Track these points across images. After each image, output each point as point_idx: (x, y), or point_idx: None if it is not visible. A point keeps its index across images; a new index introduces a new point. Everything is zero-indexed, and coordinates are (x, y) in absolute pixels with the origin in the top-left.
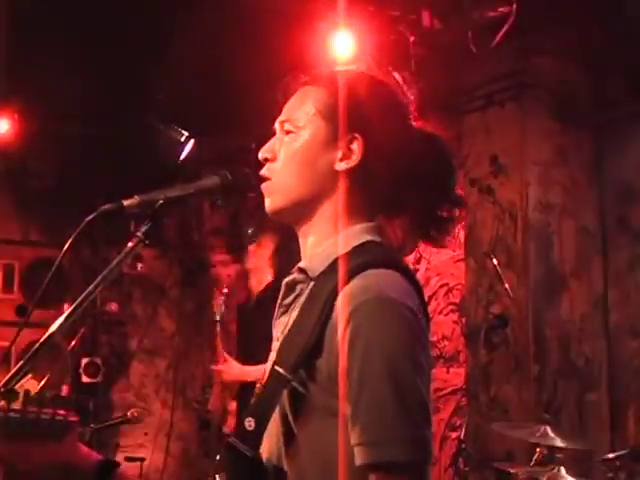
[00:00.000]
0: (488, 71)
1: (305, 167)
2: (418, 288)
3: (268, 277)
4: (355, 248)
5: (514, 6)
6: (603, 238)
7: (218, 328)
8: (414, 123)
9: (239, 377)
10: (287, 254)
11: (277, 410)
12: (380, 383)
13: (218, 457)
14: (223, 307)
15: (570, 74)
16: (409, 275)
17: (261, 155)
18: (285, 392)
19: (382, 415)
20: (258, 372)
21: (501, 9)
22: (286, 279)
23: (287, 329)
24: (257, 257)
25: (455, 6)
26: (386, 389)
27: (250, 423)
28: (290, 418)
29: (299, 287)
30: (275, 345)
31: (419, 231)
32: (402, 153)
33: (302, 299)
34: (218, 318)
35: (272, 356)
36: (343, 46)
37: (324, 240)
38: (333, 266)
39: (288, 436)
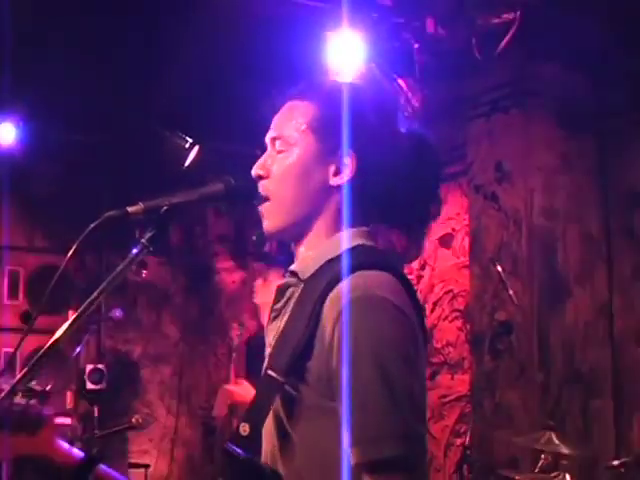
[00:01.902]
0: (492, 78)
1: (299, 184)
2: (411, 289)
3: None
4: (346, 251)
5: (518, 13)
6: (608, 245)
7: (234, 354)
8: (401, 126)
9: (249, 398)
10: None
11: (271, 414)
12: (369, 381)
13: (213, 463)
14: (239, 336)
15: (574, 81)
16: (401, 277)
17: (254, 172)
18: (278, 397)
19: (372, 413)
20: None
21: (505, 16)
22: (278, 283)
23: (278, 333)
24: (264, 293)
25: (459, 13)
26: (375, 387)
27: (245, 428)
28: (284, 420)
29: (290, 290)
30: (268, 351)
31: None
32: (393, 163)
33: (292, 302)
34: (235, 344)
35: (266, 361)
36: (347, 53)
37: (314, 245)
38: (323, 269)
39: (283, 438)
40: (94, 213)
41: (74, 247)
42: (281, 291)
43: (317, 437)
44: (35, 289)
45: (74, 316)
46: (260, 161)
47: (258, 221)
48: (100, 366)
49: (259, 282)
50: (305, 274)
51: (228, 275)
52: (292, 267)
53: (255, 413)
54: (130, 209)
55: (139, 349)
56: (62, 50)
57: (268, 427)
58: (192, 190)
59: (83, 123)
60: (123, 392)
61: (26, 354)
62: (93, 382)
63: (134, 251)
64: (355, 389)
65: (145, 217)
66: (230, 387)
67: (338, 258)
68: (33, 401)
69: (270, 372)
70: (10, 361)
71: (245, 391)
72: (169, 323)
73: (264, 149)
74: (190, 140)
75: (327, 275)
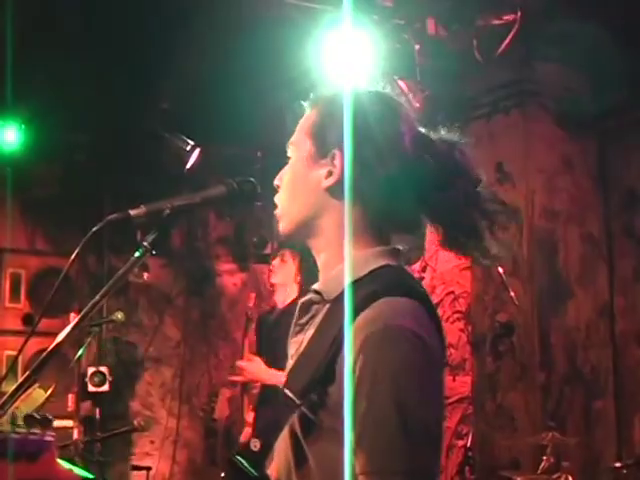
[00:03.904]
0: (493, 79)
1: (297, 188)
2: (435, 316)
3: (293, 293)
4: (370, 273)
5: (518, 14)
6: (608, 245)
7: (248, 329)
8: (413, 130)
9: (260, 376)
10: (310, 269)
11: (286, 431)
12: (387, 414)
13: (223, 475)
14: (253, 309)
15: (574, 82)
16: (425, 301)
17: (275, 183)
18: (295, 415)
19: (386, 445)
20: (279, 378)
21: (506, 17)
22: (301, 299)
23: (300, 351)
24: (282, 272)
25: (460, 14)
26: (392, 420)
27: (255, 444)
28: (301, 438)
29: (314, 308)
30: (289, 363)
31: (445, 242)
32: (393, 166)
33: (317, 320)
34: (249, 316)
35: (285, 375)
36: (348, 55)
37: (336, 259)
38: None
39: (299, 457)
40: (95, 216)
41: (77, 250)
42: (305, 307)
43: (333, 459)
44: (37, 291)
45: (76, 319)
46: (281, 172)
47: (259, 223)
48: (102, 368)
49: (277, 262)
50: (330, 295)
51: (229, 277)
52: (316, 286)
53: (268, 430)
54: (132, 212)
55: (141, 351)
56: (63, 53)
57: (282, 442)
58: (194, 193)
59: (85, 126)
60: (125, 394)
61: (28, 357)
62: (95, 384)
63: (136, 254)
64: (372, 420)
65: (147, 220)
66: (241, 364)
67: (362, 281)
68: (35, 429)
69: (287, 392)
70: (12, 364)
71: (257, 367)
72: (170, 325)
73: (265, 151)
74: (191, 142)
75: (353, 299)
